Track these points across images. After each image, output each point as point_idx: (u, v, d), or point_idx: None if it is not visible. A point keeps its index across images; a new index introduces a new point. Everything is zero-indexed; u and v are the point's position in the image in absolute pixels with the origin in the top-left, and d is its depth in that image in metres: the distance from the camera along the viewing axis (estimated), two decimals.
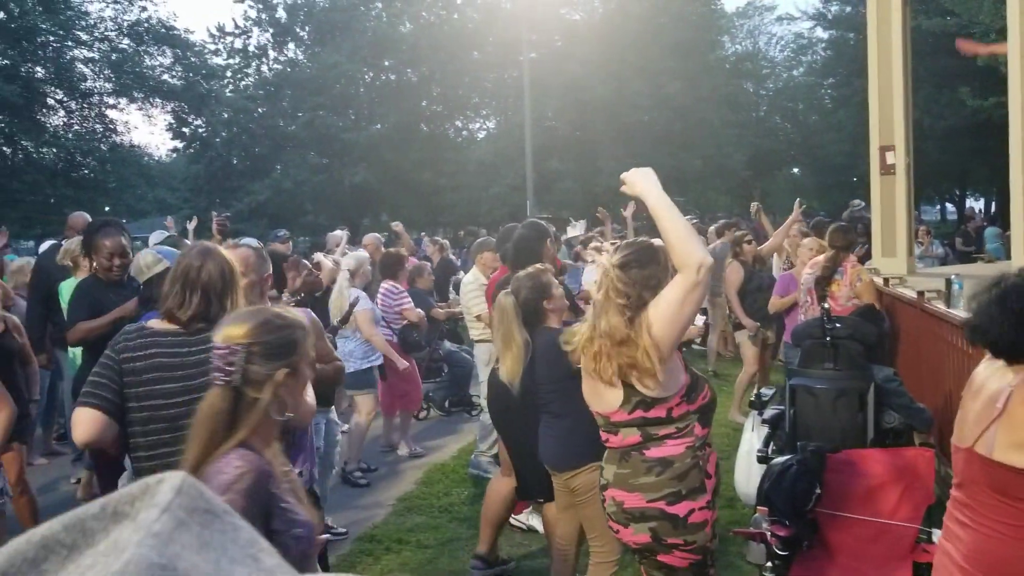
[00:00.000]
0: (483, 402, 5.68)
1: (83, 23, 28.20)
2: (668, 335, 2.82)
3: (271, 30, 34.44)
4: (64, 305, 5.86)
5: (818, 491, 3.98)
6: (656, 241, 3.03)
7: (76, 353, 6.37)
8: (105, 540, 0.45)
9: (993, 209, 35.06)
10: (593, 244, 8.01)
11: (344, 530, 5.78)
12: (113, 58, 28.81)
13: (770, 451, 4.49)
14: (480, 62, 33.15)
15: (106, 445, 2.86)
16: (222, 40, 33.84)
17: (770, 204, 41.63)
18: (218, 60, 33.69)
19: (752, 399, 4.98)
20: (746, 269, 8.11)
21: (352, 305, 6.17)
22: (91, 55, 28.99)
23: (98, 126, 29.87)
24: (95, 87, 29.53)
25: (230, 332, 2.13)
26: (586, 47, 30.00)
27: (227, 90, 33.56)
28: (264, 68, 35.05)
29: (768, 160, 38.33)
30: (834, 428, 4.46)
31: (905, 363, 6.16)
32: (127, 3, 28.93)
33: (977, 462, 2.43)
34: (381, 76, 34.34)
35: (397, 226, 9.15)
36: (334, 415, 5.47)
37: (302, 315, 2.45)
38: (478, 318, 6.48)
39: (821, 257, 7.12)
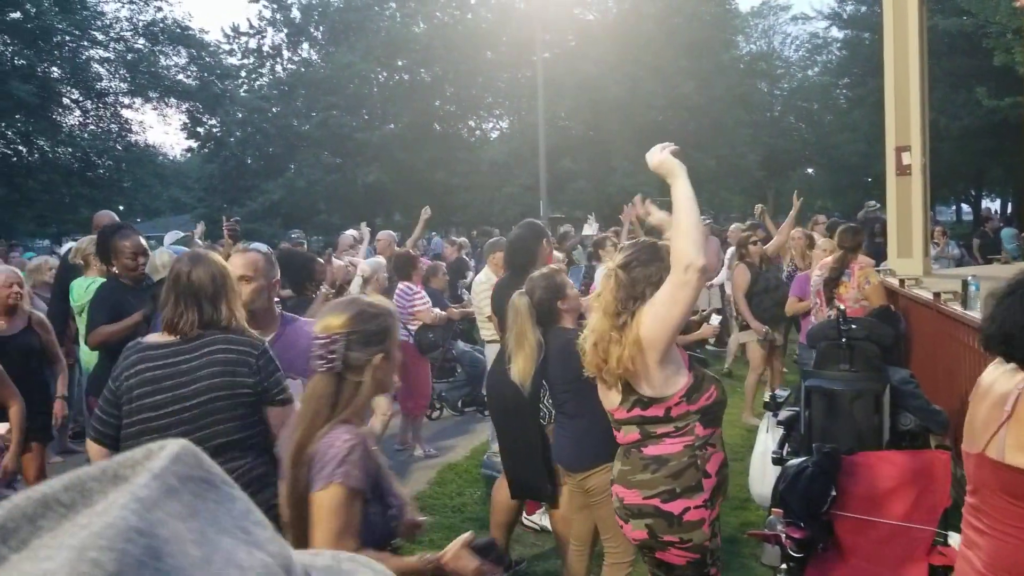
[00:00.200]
0: None
1: (99, 23, 28.35)
2: (657, 334, 2.82)
3: (285, 30, 34.56)
4: (74, 303, 5.90)
5: (833, 493, 3.95)
6: (661, 242, 3.06)
7: (86, 351, 6.40)
8: (103, 501, 0.46)
9: (1010, 210, 34.85)
10: (610, 244, 8.00)
11: None
12: (128, 58, 28.94)
13: (785, 453, 4.47)
14: (493, 62, 33.15)
15: None
16: (237, 40, 34.02)
17: (784, 204, 41.53)
18: (232, 60, 33.88)
19: (767, 400, 4.96)
20: (752, 271, 8.05)
21: None
22: (107, 55, 29.14)
23: (113, 126, 30.01)
24: (110, 87, 29.68)
25: (329, 322, 2.28)
26: (600, 47, 29.96)
27: (241, 90, 33.69)
28: (278, 68, 35.19)
29: (782, 160, 38.21)
30: (850, 430, 4.43)
31: (921, 365, 6.12)
32: (143, 3, 29.07)
33: (988, 467, 2.40)
34: (395, 76, 34.40)
35: (425, 213, 9.03)
36: None
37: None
38: (489, 318, 6.47)
39: (830, 258, 7.10)
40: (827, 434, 4.42)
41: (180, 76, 30.45)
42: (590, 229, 11.17)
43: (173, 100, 30.56)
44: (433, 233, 23.65)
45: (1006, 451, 2.32)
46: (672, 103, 30.45)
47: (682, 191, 2.83)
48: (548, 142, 23.69)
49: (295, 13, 34.48)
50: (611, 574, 3.81)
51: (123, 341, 3.71)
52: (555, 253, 7.09)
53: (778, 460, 4.40)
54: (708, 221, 12.37)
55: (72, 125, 29.33)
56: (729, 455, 6.93)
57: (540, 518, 5.50)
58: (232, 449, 2.77)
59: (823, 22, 40.50)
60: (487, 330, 6.70)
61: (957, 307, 5.42)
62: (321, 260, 6.11)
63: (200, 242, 8.71)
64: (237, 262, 3.41)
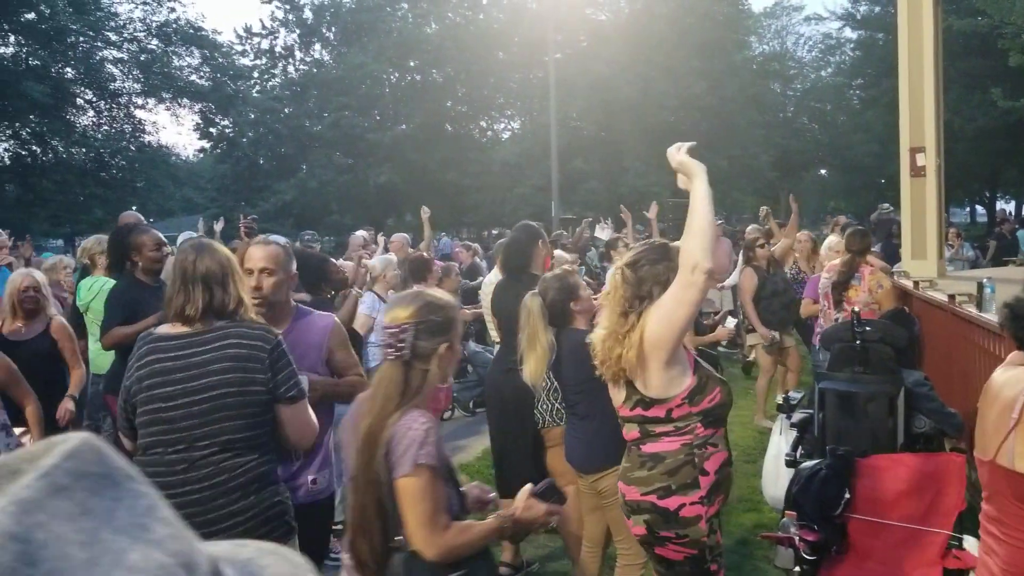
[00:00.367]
0: None
1: (112, 24, 28.52)
2: (663, 334, 2.83)
3: (298, 31, 34.68)
4: (79, 302, 5.92)
5: (847, 495, 3.93)
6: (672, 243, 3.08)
7: (92, 350, 6.42)
8: (2, 497, 0.45)
9: None
10: (622, 244, 7.98)
11: None
12: (142, 59, 29.11)
13: (798, 455, 4.45)
14: (505, 62, 33.17)
15: None
16: (249, 41, 34.17)
17: (798, 206, 41.41)
18: (245, 61, 34.07)
19: (779, 402, 4.94)
20: (759, 274, 8.01)
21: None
22: (120, 56, 29.32)
23: (126, 126, 30.20)
24: (124, 87, 29.87)
25: (397, 314, 2.38)
26: (612, 47, 29.93)
27: (254, 90, 33.85)
28: (290, 69, 35.32)
29: (795, 161, 38.12)
30: (863, 432, 4.40)
31: (935, 367, 6.09)
32: (156, 4, 29.26)
33: (1000, 475, 2.38)
34: (406, 76, 34.46)
35: (425, 213, 9.07)
36: None
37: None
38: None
39: (837, 261, 7.08)
40: (841, 436, 4.40)
41: (193, 77, 30.62)
42: (603, 232, 11.15)
43: (186, 100, 30.73)
44: (443, 234, 23.65)
45: (1015, 459, 2.30)
46: (684, 103, 30.40)
47: (700, 192, 2.82)
48: (560, 142, 23.69)
49: (307, 14, 34.60)
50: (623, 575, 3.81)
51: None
52: (562, 253, 7.08)
53: (791, 462, 4.37)
54: (720, 222, 12.34)
55: (86, 125, 29.53)
56: (741, 457, 6.94)
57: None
58: (238, 446, 2.75)
59: (836, 23, 40.41)
60: (497, 331, 6.70)
61: (972, 309, 5.38)
62: (335, 261, 6.11)
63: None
64: (258, 254, 3.35)
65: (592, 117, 30.73)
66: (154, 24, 29.43)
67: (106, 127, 30.00)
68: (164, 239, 5.31)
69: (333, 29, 34.95)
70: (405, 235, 10.05)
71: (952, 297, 5.75)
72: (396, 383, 2.34)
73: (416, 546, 2.25)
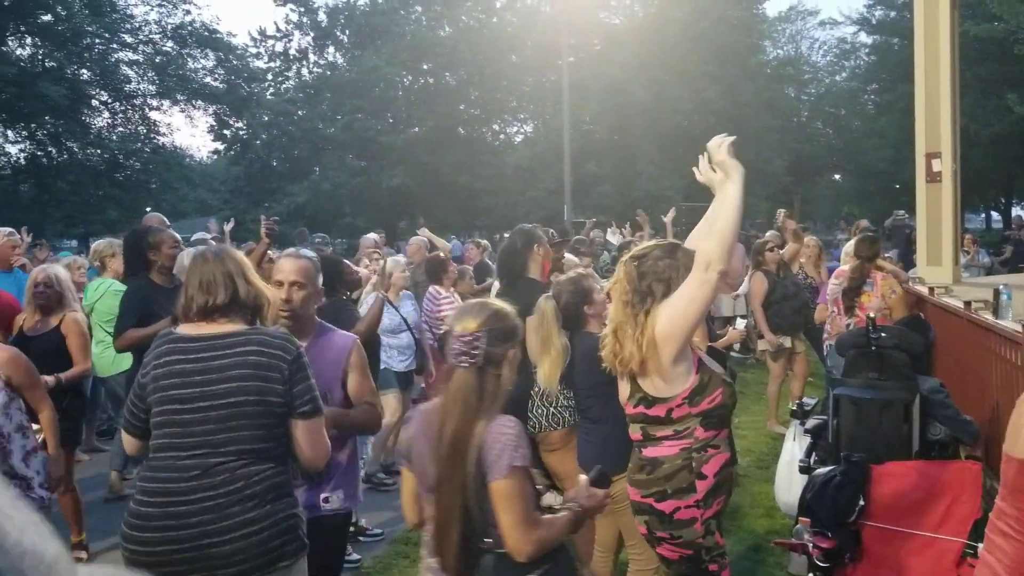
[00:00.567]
0: None
1: (128, 26, 28.70)
2: (673, 329, 2.85)
3: (312, 33, 34.76)
4: (86, 303, 5.94)
5: (861, 502, 3.91)
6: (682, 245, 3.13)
7: (97, 351, 6.44)
8: None
9: None
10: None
11: (380, 531, 5.80)
12: (157, 61, 29.27)
13: (812, 461, 4.42)
14: (518, 66, 33.18)
15: None
16: (263, 43, 34.28)
17: (810, 211, 41.30)
18: (259, 63, 34.20)
19: (793, 408, 4.91)
20: (770, 279, 7.98)
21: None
22: (135, 58, 29.50)
23: (141, 128, 30.37)
24: (139, 89, 30.06)
25: (468, 323, 2.46)
26: (625, 51, 29.90)
27: (268, 93, 33.97)
28: (304, 71, 35.40)
29: (809, 166, 38.01)
30: (878, 439, 4.37)
31: (950, 374, 6.04)
32: (171, 7, 29.42)
33: None
34: (420, 80, 34.50)
35: (422, 231, 9.15)
36: None
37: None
38: None
39: (847, 267, 7.06)
40: (855, 443, 4.37)
41: (207, 79, 30.77)
42: (614, 236, 11.12)
43: (200, 102, 30.88)
44: (452, 236, 23.67)
45: None
46: (698, 108, 30.34)
47: (731, 195, 2.86)
48: (573, 146, 23.69)
49: (321, 17, 34.69)
50: None
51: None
52: (572, 257, 7.06)
53: (805, 469, 4.35)
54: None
55: (101, 127, 29.71)
56: (755, 463, 6.91)
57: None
58: (254, 454, 2.67)
59: (851, 27, 40.24)
60: None
61: (988, 316, 5.34)
62: (349, 263, 6.12)
63: (210, 239, 8.76)
64: (289, 267, 3.36)
65: (605, 121, 30.70)
66: (169, 26, 29.63)
67: (121, 128, 30.17)
68: (179, 238, 5.35)
69: (347, 32, 35.03)
70: (423, 238, 10.07)
71: (968, 304, 5.71)
72: (474, 389, 2.42)
73: (512, 545, 2.35)
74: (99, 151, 28.87)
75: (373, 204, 31.20)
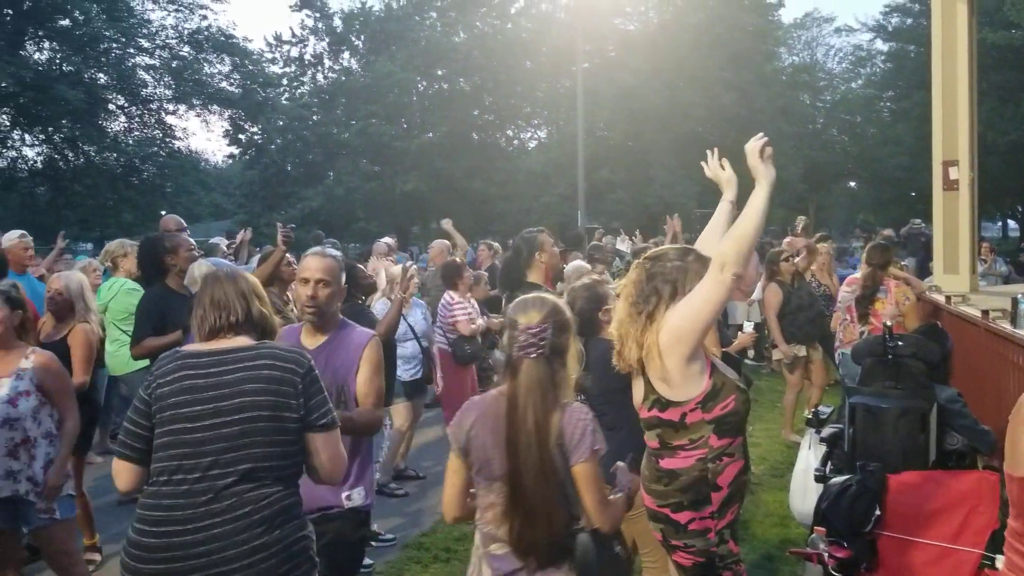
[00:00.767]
0: None
1: (145, 31, 28.85)
2: (685, 328, 2.84)
3: (327, 39, 34.91)
4: (99, 302, 5.95)
5: (878, 512, 3.87)
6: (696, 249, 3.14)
7: (110, 352, 6.46)
8: None
9: None
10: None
11: (392, 537, 5.79)
12: (173, 65, 29.42)
13: (828, 470, 4.39)
14: (533, 72, 33.21)
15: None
16: (279, 49, 34.45)
17: (825, 218, 41.15)
18: (275, 68, 34.34)
19: (809, 417, 4.88)
20: (784, 289, 7.94)
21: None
22: (152, 62, 29.66)
23: (157, 132, 30.50)
24: (155, 93, 30.19)
25: (532, 316, 2.60)
26: (640, 57, 29.89)
27: (283, 98, 34.10)
28: (319, 76, 35.55)
29: (824, 173, 37.88)
30: (895, 448, 4.33)
31: (967, 383, 5.99)
32: (188, 12, 29.58)
33: None
34: (434, 85, 34.58)
35: (447, 223, 9.17)
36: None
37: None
38: None
39: (859, 275, 7.04)
40: (871, 452, 4.33)
41: (223, 84, 30.89)
42: (623, 244, 11.08)
43: (216, 107, 31.00)
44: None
45: None
46: (712, 114, 30.29)
47: (756, 201, 2.86)
48: (586, 152, 23.67)
49: (337, 22, 34.83)
50: None
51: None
52: (582, 263, 7.04)
53: (821, 477, 4.32)
54: None
55: (117, 131, 29.87)
56: (769, 471, 6.87)
57: None
58: (264, 475, 2.60)
59: (867, 34, 40.06)
60: None
61: (1006, 325, 5.30)
62: (363, 268, 6.14)
63: (225, 249, 8.79)
64: (315, 265, 3.43)
65: (619, 127, 30.68)
66: (186, 31, 29.77)
67: (137, 132, 30.32)
68: (194, 243, 5.36)
69: (362, 37, 35.15)
70: (445, 242, 10.11)
71: (986, 313, 5.67)
72: (546, 380, 2.56)
73: (596, 522, 2.57)
74: (115, 155, 29.02)
75: (387, 209, 31.27)
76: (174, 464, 2.57)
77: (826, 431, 4.62)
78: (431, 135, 32.17)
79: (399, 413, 6.85)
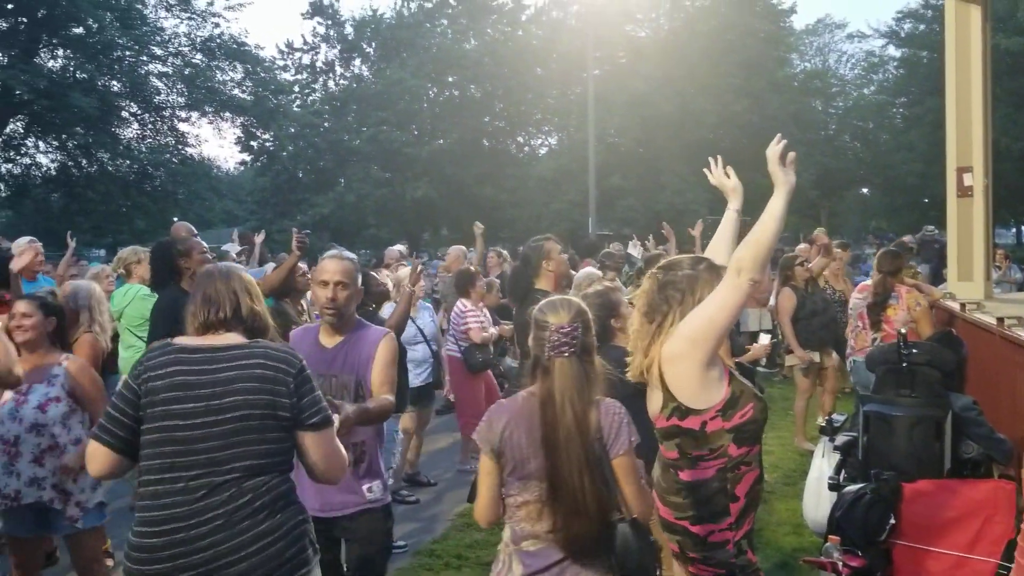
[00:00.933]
0: None
1: (158, 39, 29.00)
2: (701, 333, 2.81)
3: (338, 46, 35.07)
4: (113, 308, 5.96)
5: (892, 521, 3.85)
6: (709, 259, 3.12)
7: (124, 357, 6.47)
8: None
9: None
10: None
11: (404, 543, 5.78)
12: (186, 73, 29.55)
13: (842, 478, 4.36)
14: (543, 78, 33.26)
15: (119, 477, 2.80)
16: (291, 56, 34.64)
17: (837, 225, 41.01)
18: (286, 76, 34.52)
19: (822, 425, 4.84)
20: (798, 294, 7.91)
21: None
22: (165, 70, 29.79)
23: (170, 139, 30.65)
24: (168, 101, 30.34)
25: (562, 317, 2.68)
26: (651, 64, 29.89)
27: (294, 105, 34.24)
28: (331, 83, 35.71)
29: (837, 180, 37.74)
30: (909, 457, 4.30)
31: (981, 391, 5.94)
32: (200, 20, 29.71)
33: None
34: (445, 92, 34.68)
35: (478, 228, 9.22)
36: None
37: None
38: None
39: (870, 282, 7.01)
40: (885, 461, 4.30)
41: (235, 91, 31.01)
42: (634, 249, 11.04)
43: (228, 114, 31.11)
44: (471, 249, 23.68)
45: None
46: (724, 121, 30.24)
47: (774, 207, 2.84)
48: (597, 158, 23.66)
49: (348, 30, 35.00)
50: None
51: None
52: (593, 270, 7.03)
53: (834, 486, 4.29)
54: None
55: (130, 138, 30.02)
56: (782, 479, 6.83)
57: None
58: (258, 470, 2.60)
59: (880, 40, 39.94)
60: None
61: (1021, 332, 5.26)
62: (374, 275, 6.15)
63: (235, 256, 8.81)
64: (334, 267, 3.54)
65: (630, 133, 30.66)
66: (198, 39, 29.90)
67: (150, 139, 30.47)
68: (207, 246, 5.38)
69: (373, 45, 35.29)
70: (462, 247, 10.14)
71: (1001, 320, 5.62)
72: (580, 376, 2.65)
73: (636, 511, 2.69)
74: (128, 162, 29.18)
75: (397, 215, 31.34)
76: (167, 462, 2.56)
77: (840, 439, 4.59)
78: (442, 142, 32.24)
79: (403, 422, 6.85)
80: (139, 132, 30.46)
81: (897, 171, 34.63)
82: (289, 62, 34.70)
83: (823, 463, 4.91)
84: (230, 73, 30.85)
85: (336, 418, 3.04)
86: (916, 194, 33.76)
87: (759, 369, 10.16)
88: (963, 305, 7.06)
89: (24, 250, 5.82)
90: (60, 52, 27.70)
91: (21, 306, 4.16)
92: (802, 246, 9.63)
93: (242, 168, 36.73)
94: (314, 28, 34.90)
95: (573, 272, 7.07)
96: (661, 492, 3.06)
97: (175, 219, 27.92)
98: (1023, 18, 22.11)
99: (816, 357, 7.84)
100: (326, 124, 33.29)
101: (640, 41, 32.77)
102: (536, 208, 30.31)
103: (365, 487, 3.51)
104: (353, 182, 31.64)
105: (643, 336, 2.99)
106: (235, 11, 33.75)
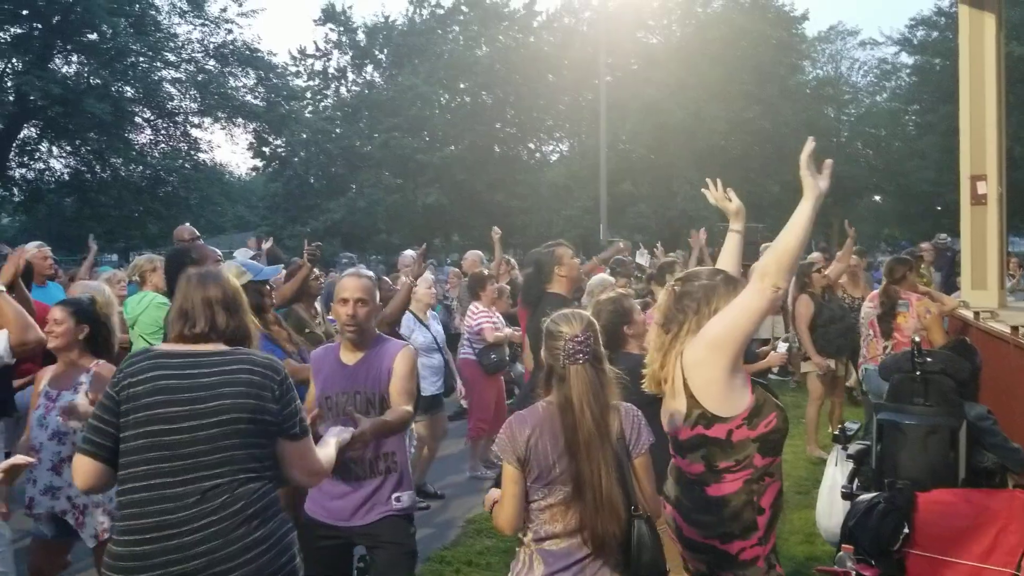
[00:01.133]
0: None
1: (171, 45, 29.14)
2: (725, 337, 2.78)
3: (350, 53, 35.19)
4: (127, 316, 5.97)
5: (906, 531, 3.81)
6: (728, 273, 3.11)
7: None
8: None
9: None
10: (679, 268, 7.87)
11: (427, 504, 5.79)
12: (199, 79, 29.68)
13: (855, 487, 4.33)
14: (555, 85, 33.29)
15: (106, 490, 2.77)
16: (303, 62, 34.76)
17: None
18: (299, 82, 34.64)
19: (836, 433, 4.81)
20: (816, 301, 7.88)
21: None
22: (178, 75, 29.94)
23: (183, 144, 30.77)
24: (181, 107, 30.47)
25: (574, 328, 2.78)
26: (663, 70, 29.89)
27: (306, 111, 34.35)
28: (343, 90, 35.82)
29: (848, 187, 37.55)
30: (923, 466, 4.26)
31: (995, 401, 5.90)
32: (214, 26, 29.84)
33: None
34: (456, 98, 34.74)
35: (496, 234, 9.27)
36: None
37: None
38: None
39: (878, 291, 7.01)
40: (899, 470, 4.27)
41: (248, 97, 31.13)
42: (642, 258, 11.01)
43: (240, 120, 31.23)
44: (486, 257, 23.67)
45: None
46: (736, 127, 30.21)
47: (802, 214, 2.77)
48: (609, 165, 23.66)
49: (360, 36, 35.10)
50: None
51: None
52: (605, 276, 7.02)
53: (848, 495, 4.26)
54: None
55: (143, 143, 30.16)
56: (794, 488, 6.80)
57: None
58: (248, 472, 2.60)
59: (892, 47, 39.81)
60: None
61: None
62: (388, 280, 6.18)
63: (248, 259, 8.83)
64: (353, 285, 3.62)
65: (642, 140, 30.66)
66: (211, 45, 30.03)
67: (163, 145, 30.61)
68: (220, 253, 5.40)
69: (385, 51, 35.39)
70: (479, 252, 10.18)
71: (1015, 328, 5.59)
72: (596, 380, 2.74)
73: (651, 508, 2.82)
74: (141, 167, 29.31)
75: (409, 221, 31.38)
76: (152, 468, 2.53)
77: (853, 448, 4.56)
78: (453, 148, 32.30)
79: (419, 426, 6.86)
80: (152, 138, 30.62)
81: (910, 179, 34.50)
82: (301, 68, 34.86)
83: (836, 472, 4.88)
84: (243, 79, 30.99)
85: (349, 432, 3.14)
86: (929, 202, 33.64)
87: (771, 376, 10.12)
88: (977, 313, 7.03)
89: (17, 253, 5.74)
90: (74, 58, 27.86)
91: (55, 311, 4.13)
92: (815, 255, 9.57)
93: (254, 174, 36.90)
94: (326, 34, 35.11)
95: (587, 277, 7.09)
96: (685, 512, 3.00)
97: (186, 224, 28.08)
98: None
99: (832, 364, 7.82)
100: (338, 130, 33.39)
101: (652, 48, 32.79)
102: (547, 214, 30.33)
103: (394, 496, 3.58)
104: (364, 188, 31.71)
105: (659, 347, 2.98)
106: (248, 17, 34.01)
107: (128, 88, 28.57)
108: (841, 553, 3.82)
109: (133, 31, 26.97)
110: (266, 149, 33.27)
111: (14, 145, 27.35)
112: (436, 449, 7.18)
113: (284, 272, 6.06)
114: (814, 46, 43.62)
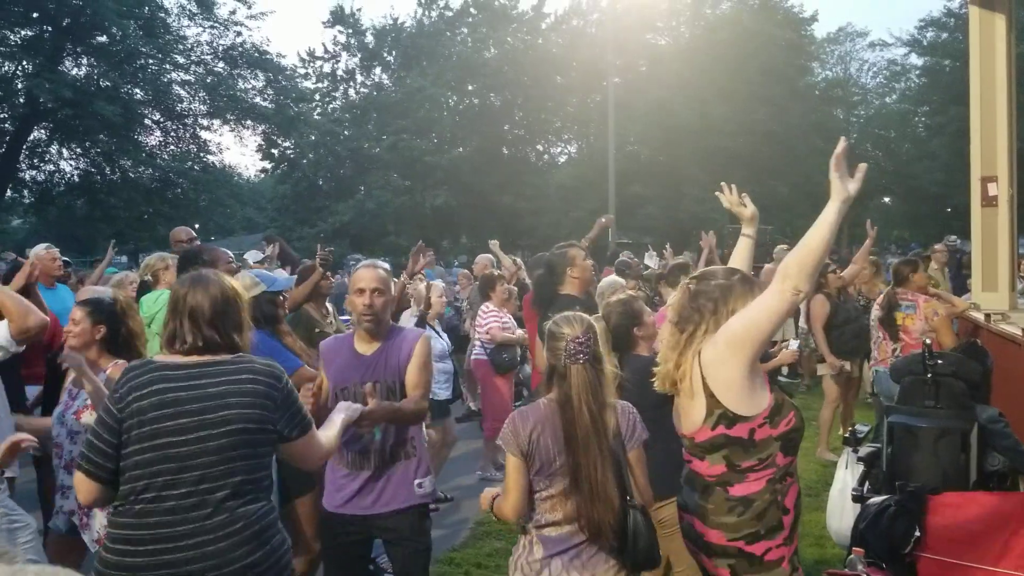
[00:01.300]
0: None
1: (181, 47, 29.23)
2: (744, 335, 2.74)
3: (359, 55, 35.24)
4: (143, 315, 5.98)
5: (917, 534, 3.80)
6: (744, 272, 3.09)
7: None
8: None
9: None
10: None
11: (451, 496, 5.80)
12: (208, 81, 29.76)
13: (866, 490, 4.31)
14: (563, 87, 33.29)
15: (107, 505, 2.74)
16: (312, 64, 34.82)
17: (859, 235, 40.71)
18: (307, 84, 34.70)
19: (846, 436, 4.79)
20: (831, 302, 7.85)
21: None
22: (187, 78, 30.02)
23: (192, 146, 30.87)
24: (190, 109, 30.55)
25: (575, 330, 2.92)
26: (671, 72, 29.87)
27: (315, 113, 34.41)
28: (351, 92, 35.88)
29: (858, 189, 37.56)
30: (934, 469, 4.25)
31: (1007, 403, 5.87)
32: (223, 28, 29.91)
33: None
34: (465, 100, 34.78)
35: (493, 244, 9.33)
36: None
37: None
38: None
39: (882, 294, 7.01)
40: (910, 472, 4.25)
41: (257, 99, 31.21)
42: (651, 259, 10.97)
43: (249, 122, 31.31)
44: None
45: None
46: (745, 129, 30.16)
47: (828, 217, 2.65)
48: (617, 167, 23.63)
49: (369, 38, 35.16)
50: None
51: None
52: (616, 278, 7.00)
53: (858, 498, 4.24)
54: (784, 247, 12.13)
55: (153, 145, 30.25)
56: (805, 490, 6.73)
57: None
58: (249, 489, 2.60)
59: (902, 48, 39.77)
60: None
61: None
62: (398, 280, 6.20)
63: (252, 264, 8.82)
64: (369, 276, 3.65)
65: (650, 142, 30.64)
66: (221, 48, 30.10)
67: (172, 147, 30.71)
68: (232, 254, 5.44)
69: (394, 53, 35.45)
70: (489, 256, 10.22)
71: None
72: (595, 379, 2.89)
73: (644, 498, 3.02)
74: (150, 169, 29.39)
75: (417, 223, 31.41)
76: (159, 480, 2.51)
77: (864, 450, 4.54)
78: (461, 150, 32.33)
79: (430, 432, 6.87)
80: (161, 140, 30.72)
81: (919, 180, 34.41)
82: (310, 70, 34.94)
83: (847, 474, 4.86)
84: (252, 81, 31.07)
85: (358, 409, 3.21)
86: (938, 203, 33.54)
87: (780, 378, 10.09)
88: (988, 316, 6.99)
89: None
90: (84, 60, 27.97)
91: (75, 311, 4.13)
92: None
93: (263, 175, 37.05)
94: (335, 36, 35.23)
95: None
96: (706, 515, 2.92)
97: (196, 226, 28.17)
98: None
99: (848, 365, 7.79)
100: (346, 132, 33.46)
101: (660, 49, 32.77)
102: (556, 216, 30.31)
103: (417, 482, 3.63)
104: (373, 190, 31.76)
105: (674, 346, 2.95)
106: (257, 20, 33.99)
107: (137, 90, 28.68)
108: (852, 556, 3.80)
109: (143, 33, 27.07)
110: (275, 151, 33.36)
111: (24, 147, 27.47)
112: (447, 457, 7.19)
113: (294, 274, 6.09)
114: (823, 47, 43.58)
